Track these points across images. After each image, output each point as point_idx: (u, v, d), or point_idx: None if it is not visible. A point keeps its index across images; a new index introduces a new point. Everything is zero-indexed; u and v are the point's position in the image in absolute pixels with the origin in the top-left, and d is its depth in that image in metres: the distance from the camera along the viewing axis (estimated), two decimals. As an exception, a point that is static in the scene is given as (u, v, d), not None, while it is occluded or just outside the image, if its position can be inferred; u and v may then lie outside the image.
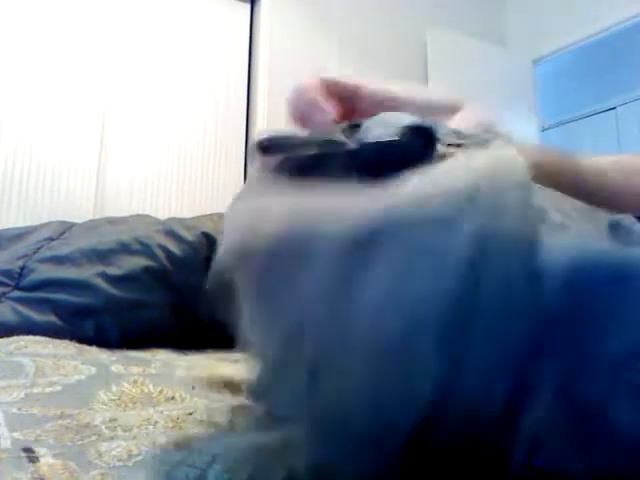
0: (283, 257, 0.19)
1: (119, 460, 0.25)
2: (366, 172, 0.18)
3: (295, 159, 0.22)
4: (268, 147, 0.23)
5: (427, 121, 0.23)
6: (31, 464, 0.24)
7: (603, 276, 0.17)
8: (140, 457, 0.26)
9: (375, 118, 0.23)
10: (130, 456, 0.26)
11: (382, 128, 0.22)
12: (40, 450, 0.26)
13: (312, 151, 0.22)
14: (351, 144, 0.22)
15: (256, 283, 0.21)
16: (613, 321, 0.16)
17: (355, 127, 0.23)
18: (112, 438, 0.31)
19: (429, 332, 0.16)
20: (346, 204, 0.18)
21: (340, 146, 0.22)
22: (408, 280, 0.16)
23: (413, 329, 0.16)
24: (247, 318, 0.22)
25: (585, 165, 0.38)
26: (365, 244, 0.17)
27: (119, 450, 0.26)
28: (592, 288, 0.17)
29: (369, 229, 0.17)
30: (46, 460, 0.25)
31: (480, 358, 0.16)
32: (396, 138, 0.21)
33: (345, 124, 0.24)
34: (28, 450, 0.26)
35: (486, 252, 0.16)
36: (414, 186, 0.17)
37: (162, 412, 0.37)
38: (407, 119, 0.23)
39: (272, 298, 0.19)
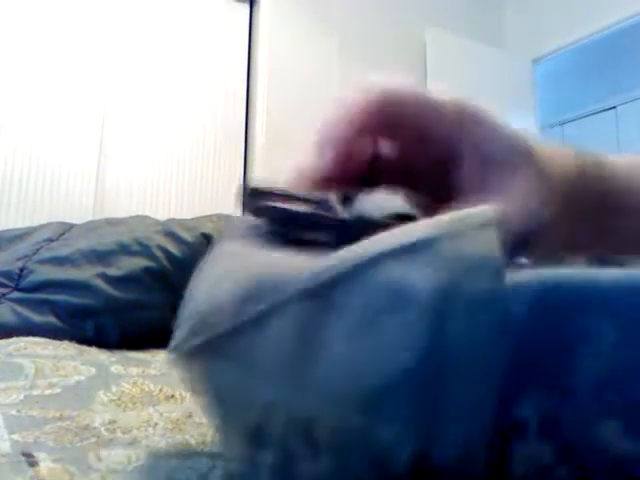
0: (240, 331, 0.18)
1: (119, 464, 0.25)
2: (347, 242, 0.18)
3: (283, 212, 0.21)
4: (262, 193, 0.22)
5: (412, 210, 0.24)
6: (30, 468, 0.24)
7: (571, 299, 0.16)
8: (140, 462, 0.26)
9: (367, 198, 0.24)
10: (130, 461, 0.26)
11: (376, 209, 0.23)
12: (40, 454, 0.26)
13: (306, 209, 0.21)
14: (344, 214, 0.21)
15: (214, 367, 0.19)
16: (586, 344, 0.16)
17: (347, 199, 0.23)
18: (111, 440, 0.31)
19: (401, 389, 0.15)
20: (307, 263, 0.17)
21: (333, 212, 0.21)
22: (370, 337, 0.15)
23: (382, 389, 0.15)
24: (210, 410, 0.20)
25: (611, 168, 0.32)
26: (321, 302, 0.16)
27: (119, 455, 0.26)
28: (561, 312, 0.16)
29: (322, 284, 0.16)
30: (46, 464, 0.25)
31: (457, 414, 0.15)
32: (386, 221, 0.20)
33: (340, 194, 0.24)
34: (28, 455, 0.26)
35: (450, 301, 0.15)
36: (371, 241, 0.16)
37: (162, 414, 0.36)
38: (399, 207, 0.24)
39: (231, 384, 0.18)
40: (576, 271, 0.17)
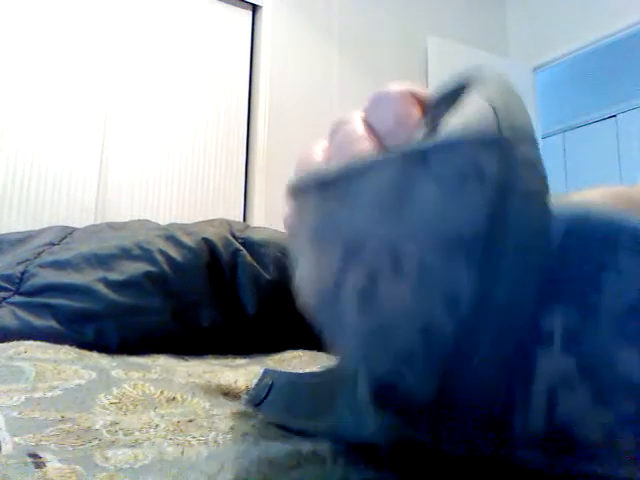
0: (342, 180, 0.22)
1: (126, 463, 0.25)
2: None
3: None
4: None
5: None
6: (38, 469, 0.24)
7: (600, 231, 0.19)
8: (147, 461, 0.26)
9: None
10: (137, 459, 0.26)
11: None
12: (46, 455, 0.26)
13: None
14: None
15: (315, 209, 0.22)
16: (612, 272, 0.18)
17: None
18: (113, 442, 0.31)
19: (468, 246, 0.18)
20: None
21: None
22: (454, 195, 0.19)
23: (459, 236, 0.18)
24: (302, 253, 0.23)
25: None
26: (419, 162, 0.20)
27: (126, 454, 0.26)
28: (592, 241, 0.19)
29: (421, 149, 0.20)
30: (53, 465, 0.25)
31: (509, 280, 0.18)
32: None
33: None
34: (34, 455, 0.26)
35: (511, 190, 0.19)
36: (456, 130, 0.20)
37: (163, 416, 0.36)
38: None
39: (331, 220, 0.22)
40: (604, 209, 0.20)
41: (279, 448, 0.27)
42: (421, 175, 0.20)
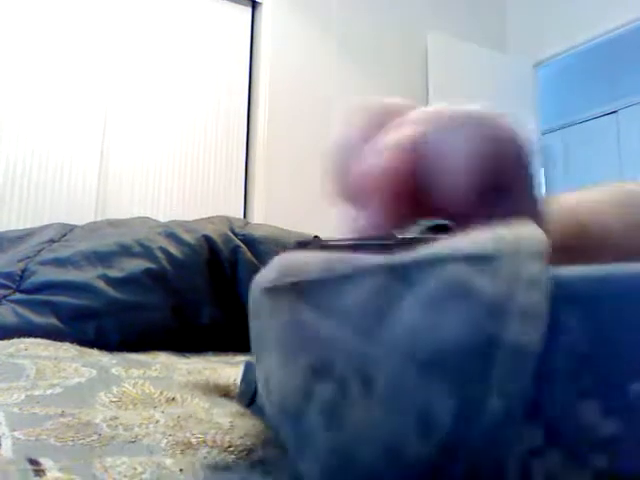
0: (320, 288, 0.21)
1: (124, 476, 0.25)
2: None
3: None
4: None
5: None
6: (37, 478, 0.24)
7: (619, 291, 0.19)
8: (145, 475, 0.26)
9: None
10: (135, 473, 0.26)
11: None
12: (45, 461, 0.26)
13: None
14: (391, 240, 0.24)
15: (286, 315, 0.22)
16: (559, 333, 0.18)
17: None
18: (113, 437, 0.31)
19: (455, 363, 0.18)
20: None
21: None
22: (436, 314, 0.18)
23: (439, 355, 0.18)
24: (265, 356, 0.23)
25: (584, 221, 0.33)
26: (400, 277, 0.20)
27: (125, 464, 0.26)
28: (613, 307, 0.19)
29: (403, 264, 0.20)
30: (52, 474, 0.25)
31: (495, 406, 0.18)
32: (427, 236, 0.23)
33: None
34: (34, 462, 0.26)
35: (506, 305, 0.18)
36: (445, 244, 0.20)
37: (163, 411, 0.37)
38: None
39: (301, 331, 0.21)
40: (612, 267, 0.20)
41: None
42: (402, 292, 0.19)
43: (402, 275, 0.20)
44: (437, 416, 0.18)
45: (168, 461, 0.26)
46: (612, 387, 0.18)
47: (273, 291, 0.22)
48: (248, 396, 0.42)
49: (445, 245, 0.20)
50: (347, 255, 0.22)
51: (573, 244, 0.30)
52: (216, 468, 0.27)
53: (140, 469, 0.26)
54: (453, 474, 0.18)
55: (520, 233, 0.20)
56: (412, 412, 0.18)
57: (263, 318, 0.23)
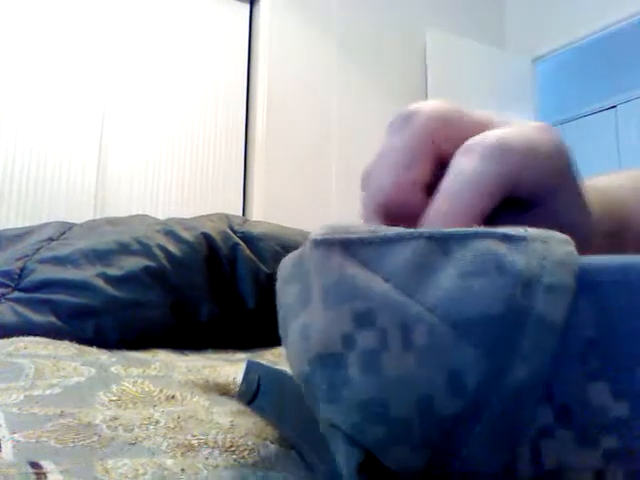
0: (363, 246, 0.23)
1: (126, 477, 0.25)
2: None
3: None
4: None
5: None
6: None
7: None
8: (147, 476, 0.26)
9: None
10: (137, 475, 0.26)
11: None
12: (47, 465, 0.26)
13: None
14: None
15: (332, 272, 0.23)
16: (573, 315, 0.20)
17: None
18: (113, 439, 0.31)
19: (482, 332, 0.19)
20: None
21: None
22: (472, 281, 0.20)
23: (473, 320, 0.19)
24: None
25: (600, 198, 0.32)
26: (442, 246, 0.21)
27: (126, 466, 0.26)
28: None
29: (444, 235, 0.22)
30: (54, 477, 0.25)
31: (518, 373, 0.19)
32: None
33: None
34: (35, 465, 0.26)
35: (533, 281, 0.20)
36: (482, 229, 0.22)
37: (163, 411, 0.36)
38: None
39: (347, 284, 0.22)
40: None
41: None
42: (441, 260, 0.21)
43: (442, 244, 0.21)
44: (466, 376, 0.19)
45: (169, 462, 0.26)
46: (621, 371, 0.19)
47: (323, 244, 0.23)
48: (249, 396, 0.42)
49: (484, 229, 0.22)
50: (390, 226, 0.24)
51: (603, 229, 0.30)
52: (217, 468, 0.27)
53: (142, 470, 0.26)
54: (473, 434, 0.19)
55: (550, 231, 0.22)
56: (445, 369, 0.19)
57: (307, 274, 0.24)
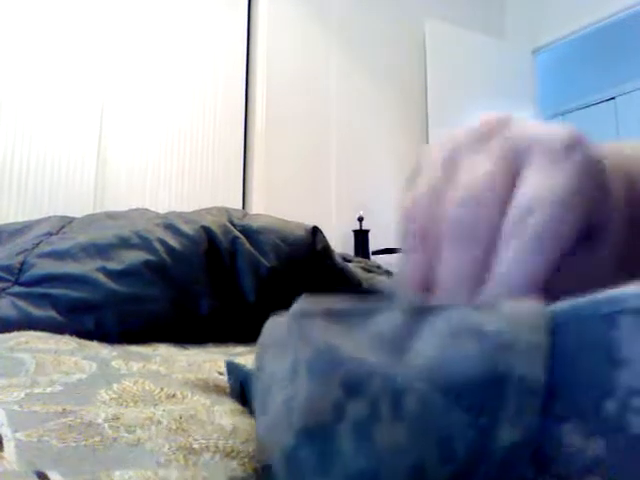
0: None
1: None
2: None
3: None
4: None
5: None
6: None
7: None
8: None
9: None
10: None
11: None
12: (54, 477, 0.26)
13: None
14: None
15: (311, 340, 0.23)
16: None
17: None
18: (115, 439, 0.31)
19: (471, 395, 0.19)
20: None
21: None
22: (452, 349, 0.20)
23: (461, 384, 0.20)
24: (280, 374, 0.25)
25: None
26: (416, 317, 0.22)
27: (132, 479, 0.26)
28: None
29: (419, 309, 0.22)
30: None
31: (507, 433, 0.19)
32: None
33: None
34: (42, 476, 0.26)
35: (512, 345, 0.20)
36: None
37: (164, 410, 0.36)
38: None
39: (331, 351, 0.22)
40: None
41: None
42: (421, 329, 0.22)
43: (419, 315, 0.22)
44: (456, 442, 0.19)
45: (174, 475, 0.26)
46: (585, 410, 0.19)
47: (306, 316, 0.23)
48: (237, 394, 0.42)
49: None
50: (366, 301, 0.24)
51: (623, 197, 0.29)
52: (219, 476, 0.27)
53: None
54: None
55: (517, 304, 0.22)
56: (435, 436, 0.19)
57: (290, 344, 0.24)
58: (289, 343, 0.24)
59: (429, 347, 0.21)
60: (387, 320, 0.22)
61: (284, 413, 0.22)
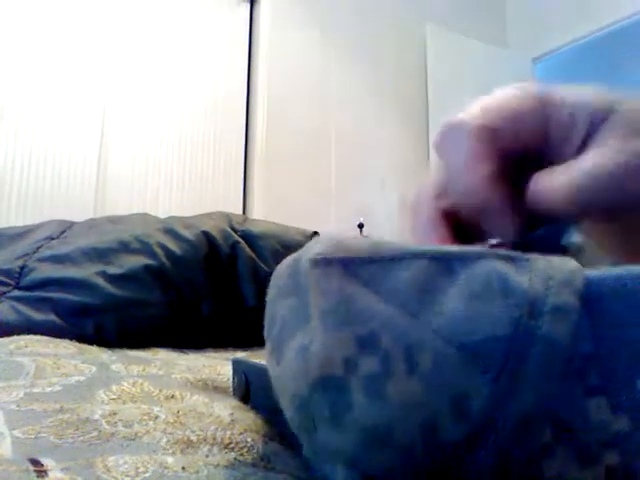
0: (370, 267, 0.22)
1: (127, 475, 0.25)
2: None
3: None
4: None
5: None
6: (40, 479, 0.24)
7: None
8: (147, 474, 0.25)
9: None
10: (137, 472, 0.25)
11: None
12: (48, 463, 0.26)
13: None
14: None
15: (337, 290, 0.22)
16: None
17: None
18: (113, 434, 0.31)
19: (493, 354, 0.19)
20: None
21: None
22: (478, 304, 0.20)
23: (481, 342, 0.19)
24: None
25: None
26: (445, 266, 0.21)
27: (127, 464, 0.26)
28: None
29: (448, 254, 0.21)
30: (54, 474, 0.24)
31: (524, 399, 0.19)
32: None
33: None
34: (36, 463, 0.26)
35: (537, 303, 0.19)
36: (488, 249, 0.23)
37: (162, 406, 0.36)
38: None
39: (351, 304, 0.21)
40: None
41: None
42: (445, 281, 0.21)
43: (445, 265, 0.21)
44: (472, 400, 0.19)
45: (170, 459, 0.26)
46: (619, 383, 0.19)
47: (322, 263, 0.22)
48: (241, 394, 0.42)
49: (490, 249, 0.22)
50: (393, 241, 0.23)
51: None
52: (218, 466, 0.27)
53: (142, 468, 0.26)
54: (478, 460, 0.19)
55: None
56: (450, 394, 0.19)
57: (305, 291, 0.22)
58: (303, 288, 0.23)
59: (452, 301, 0.20)
60: (409, 270, 0.21)
61: (299, 362, 0.22)
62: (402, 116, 3.58)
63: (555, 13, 3.92)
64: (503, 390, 0.18)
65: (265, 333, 0.27)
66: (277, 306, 0.26)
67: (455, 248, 0.21)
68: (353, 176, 3.31)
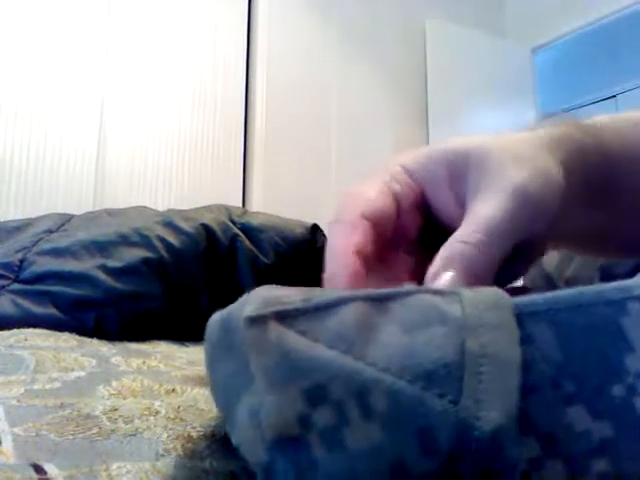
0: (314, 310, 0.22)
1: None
2: None
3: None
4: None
5: None
6: None
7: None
8: None
9: None
10: None
11: None
12: (51, 470, 0.26)
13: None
14: None
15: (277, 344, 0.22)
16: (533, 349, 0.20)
17: None
18: (113, 431, 0.31)
19: (445, 380, 0.19)
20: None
21: None
22: (416, 336, 0.20)
23: (432, 377, 0.19)
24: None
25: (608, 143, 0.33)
26: (379, 305, 0.22)
27: (131, 473, 0.26)
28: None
29: (382, 296, 0.22)
30: None
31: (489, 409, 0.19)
32: None
33: None
34: (39, 470, 0.25)
35: (471, 325, 0.20)
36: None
37: (163, 401, 0.36)
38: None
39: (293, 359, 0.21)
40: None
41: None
42: (381, 319, 0.21)
43: (379, 304, 0.21)
44: (438, 432, 0.18)
45: (171, 466, 0.26)
46: (595, 389, 0.19)
47: (258, 320, 0.21)
48: None
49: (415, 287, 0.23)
50: (322, 289, 0.24)
51: (597, 162, 0.32)
52: (217, 460, 0.27)
53: (145, 478, 0.25)
54: (464, 475, 0.18)
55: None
56: (413, 430, 0.18)
57: (242, 351, 0.22)
58: (238, 348, 0.22)
59: (392, 337, 0.20)
60: (346, 314, 0.21)
61: (253, 429, 0.21)
62: (402, 108, 3.57)
63: (554, 3, 3.90)
64: (467, 414, 0.18)
65: (215, 404, 0.27)
66: (216, 373, 0.25)
67: (384, 290, 0.22)
68: (353, 168, 3.30)
